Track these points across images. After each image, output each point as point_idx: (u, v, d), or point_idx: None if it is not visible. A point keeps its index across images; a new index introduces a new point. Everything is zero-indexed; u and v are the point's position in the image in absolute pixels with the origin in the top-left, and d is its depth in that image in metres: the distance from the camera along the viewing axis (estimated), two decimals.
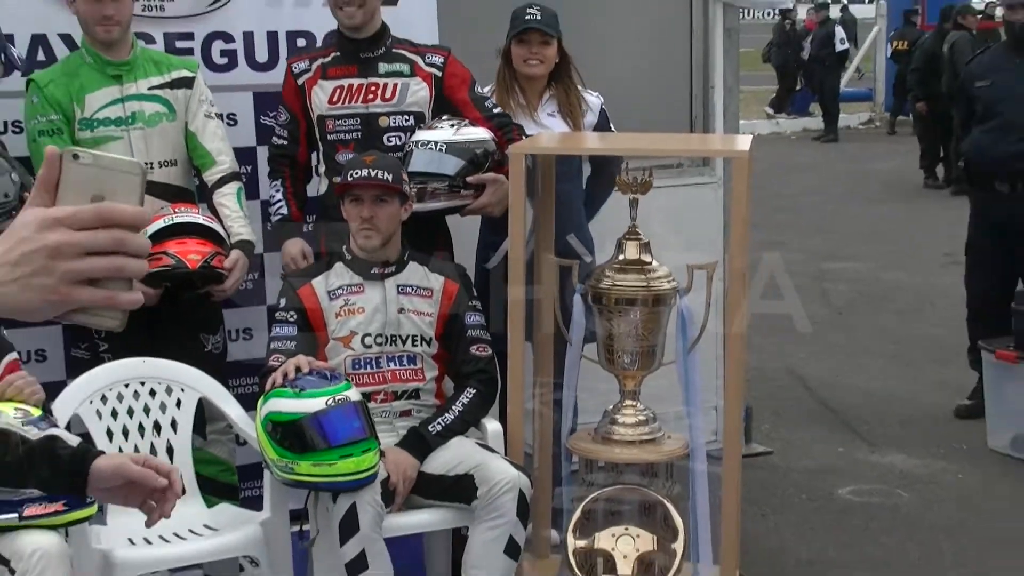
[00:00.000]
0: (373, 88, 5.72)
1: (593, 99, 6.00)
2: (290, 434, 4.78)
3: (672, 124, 6.87)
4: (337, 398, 4.78)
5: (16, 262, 1.60)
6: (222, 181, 5.61)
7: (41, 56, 5.88)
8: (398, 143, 5.66)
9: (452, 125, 5.59)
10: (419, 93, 5.74)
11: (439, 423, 5.11)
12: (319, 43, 5.88)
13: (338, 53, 5.76)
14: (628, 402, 5.51)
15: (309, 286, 5.20)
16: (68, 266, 1.58)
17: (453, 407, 5.16)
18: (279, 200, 5.71)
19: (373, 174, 5.08)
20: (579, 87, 5.98)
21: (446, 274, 5.28)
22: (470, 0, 6.38)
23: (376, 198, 5.11)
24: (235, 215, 5.55)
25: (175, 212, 5.39)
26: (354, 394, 4.85)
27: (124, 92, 5.55)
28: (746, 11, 7.20)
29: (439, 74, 5.76)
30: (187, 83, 5.65)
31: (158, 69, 5.65)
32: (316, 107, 5.73)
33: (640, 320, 5.39)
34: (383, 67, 5.72)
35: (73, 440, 1.93)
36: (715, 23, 7.11)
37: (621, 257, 5.41)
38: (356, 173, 5.12)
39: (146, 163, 5.43)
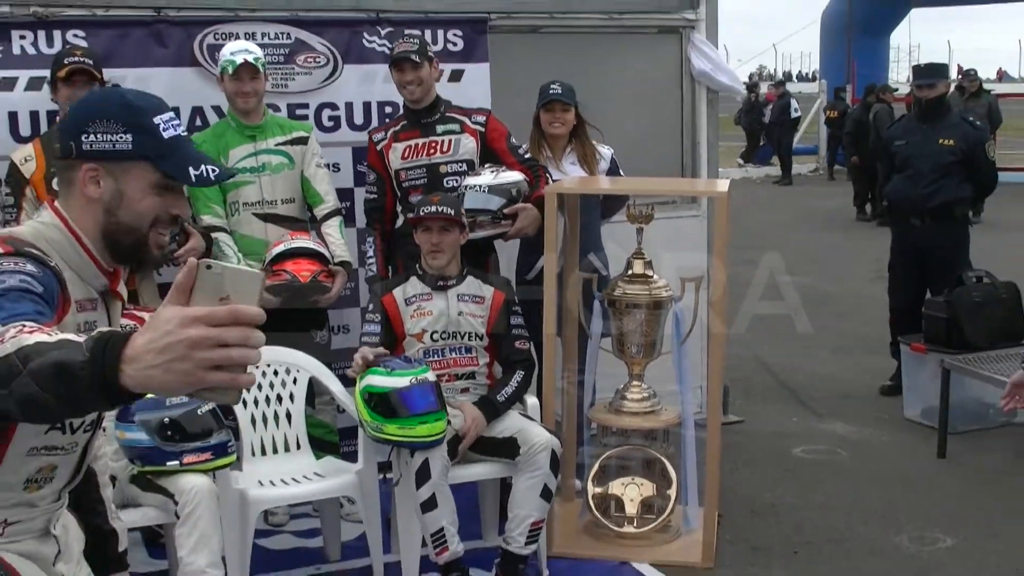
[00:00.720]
0: (433, 144, 5.72)
1: (605, 151, 6.00)
2: (381, 403, 4.79)
3: (667, 171, 6.88)
4: (419, 378, 4.79)
5: (161, 350, 1.65)
6: (328, 216, 5.65)
7: (198, 121, 5.97)
8: (455, 184, 5.64)
9: (492, 171, 5.57)
10: (468, 145, 5.74)
11: (503, 394, 5.11)
12: (401, 110, 5.87)
13: (405, 121, 5.76)
14: (635, 383, 5.58)
15: (391, 294, 5.21)
16: (203, 355, 1.64)
17: (509, 384, 5.15)
18: (371, 257, 5.71)
19: (439, 209, 5.10)
20: (593, 142, 5.98)
21: (495, 286, 5.27)
22: (514, 77, 6.37)
23: (441, 228, 5.11)
24: (337, 242, 5.56)
25: (293, 239, 5.43)
26: (431, 376, 4.86)
27: (257, 148, 5.58)
28: None
29: (482, 130, 5.76)
30: (303, 141, 5.68)
31: (282, 130, 5.68)
32: (392, 164, 5.73)
33: (644, 320, 5.47)
34: (440, 128, 5.72)
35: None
36: (700, 96, 7.15)
37: (630, 272, 5.49)
38: (426, 209, 5.13)
39: (272, 200, 5.56)
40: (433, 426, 4.76)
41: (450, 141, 5.73)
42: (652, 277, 5.47)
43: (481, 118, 5.82)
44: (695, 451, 5.51)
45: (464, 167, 5.72)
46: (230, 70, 5.46)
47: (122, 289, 2.54)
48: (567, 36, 6.76)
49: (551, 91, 5.87)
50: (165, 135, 2.36)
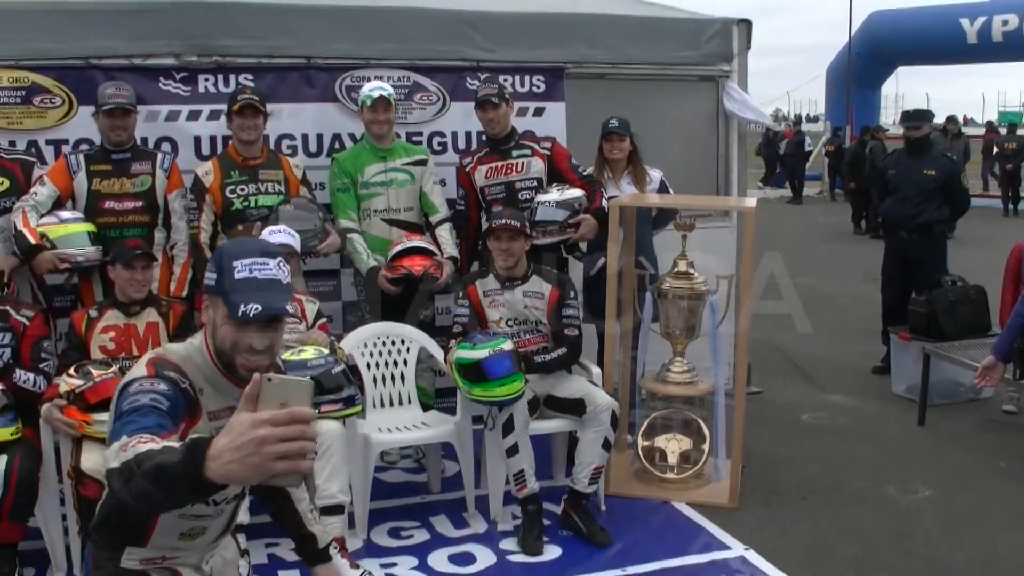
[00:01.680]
0: (510, 166, 5.71)
1: (655, 173, 5.95)
2: (468, 372, 4.79)
3: (704, 190, 6.83)
4: (496, 349, 4.78)
5: (236, 448, 1.74)
6: (440, 222, 5.63)
7: (337, 145, 6.03)
8: (528, 197, 5.64)
9: (558, 190, 5.57)
10: (538, 166, 5.72)
11: (542, 358, 5.08)
12: (484, 139, 5.89)
13: (488, 148, 5.76)
14: (677, 359, 5.55)
15: (474, 286, 5.19)
16: (269, 450, 1.71)
17: (551, 355, 5.11)
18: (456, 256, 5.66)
19: (507, 222, 5.07)
20: (645, 166, 5.93)
21: (552, 283, 5.19)
22: (584, 113, 6.35)
23: (510, 237, 5.08)
24: (447, 241, 5.55)
25: (409, 240, 5.43)
26: (507, 345, 4.83)
27: (387, 166, 5.58)
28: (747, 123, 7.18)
29: (549, 154, 5.75)
30: (423, 163, 5.68)
31: (407, 153, 5.68)
32: (477, 183, 5.73)
33: (686, 308, 5.45)
34: (515, 152, 5.72)
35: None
36: (732, 131, 7.09)
37: (675, 270, 5.45)
38: (497, 221, 5.11)
39: (396, 208, 5.57)
40: (510, 387, 4.74)
41: (523, 163, 5.72)
42: (693, 274, 5.43)
43: (547, 144, 5.81)
44: (724, 415, 5.49)
45: (535, 183, 5.71)
46: (368, 103, 5.47)
47: None
48: (627, 82, 6.71)
49: (610, 125, 5.84)
50: (237, 276, 2.39)
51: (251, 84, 5.69)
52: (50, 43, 5.54)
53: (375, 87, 5.52)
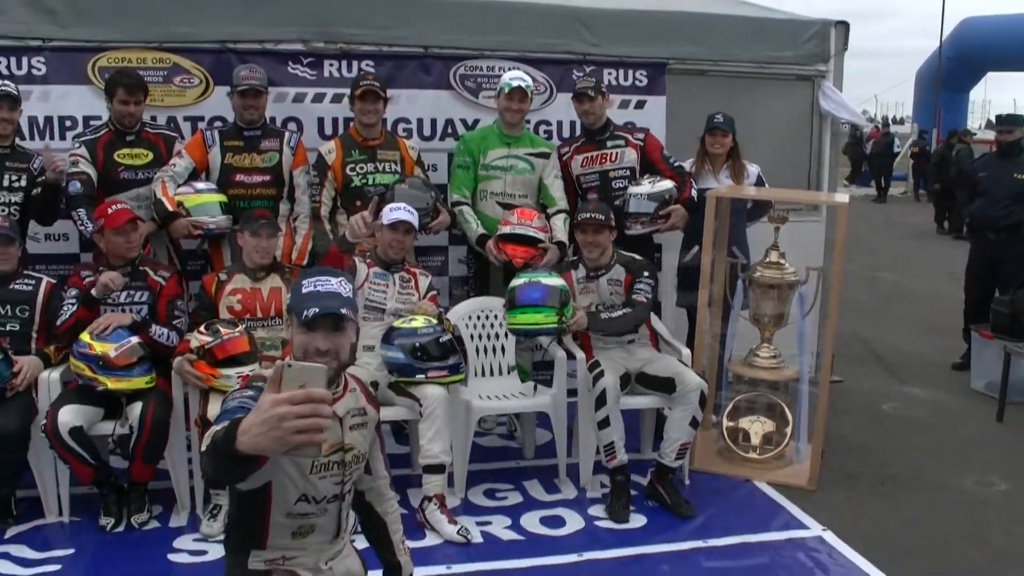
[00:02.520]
0: (604, 156, 5.72)
1: (752, 168, 5.90)
2: (509, 297, 4.88)
3: (797, 185, 6.78)
4: (531, 279, 4.82)
5: (260, 424, 1.93)
6: (556, 212, 5.62)
7: (450, 130, 6.14)
8: (621, 186, 5.65)
9: (650, 182, 5.57)
10: (631, 156, 5.72)
11: (607, 315, 5.06)
12: (579, 130, 5.94)
13: (584, 138, 5.78)
14: (764, 345, 5.55)
15: (570, 274, 5.21)
16: (288, 425, 1.90)
17: (617, 312, 5.08)
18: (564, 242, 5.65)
19: (593, 216, 5.09)
20: (744, 161, 5.91)
21: (625, 267, 5.17)
22: (683, 107, 6.35)
23: (595, 230, 5.09)
24: (559, 229, 5.52)
25: (520, 221, 5.40)
26: (550, 280, 4.84)
27: (510, 153, 5.60)
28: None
29: (642, 144, 5.74)
30: (546, 156, 5.68)
31: (532, 144, 5.70)
32: (574, 171, 5.75)
33: (776, 297, 5.43)
34: (609, 143, 5.72)
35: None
36: (825, 129, 7.03)
37: (767, 260, 5.44)
38: (584, 215, 5.13)
39: (511, 194, 5.60)
40: (532, 316, 4.78)
41: (617, 153, 5.73)
42: (784, 265, 5.43)
43: (640, 135, 5.82)
44: (807, 400, 5.47)
45: (628, 172, 5.72)
46: (506, 90, 5.52)
47: (339, 408, 2.65)
48: (726, 78, 6.68)
49: (715, 120, 5.81)
50: (304, 291, 2.59)
51: (372, 71, 5.81)
52: (190, 28, 5.75)
53: (515, 77, 5.56)
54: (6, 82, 5.11)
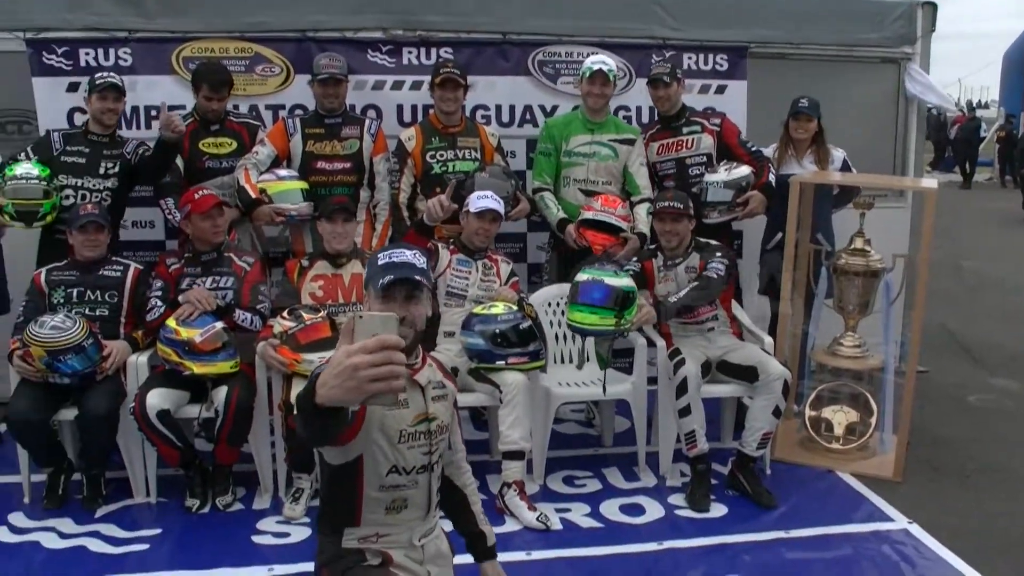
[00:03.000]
0: (680, 143, 5.66)
1: (837, 153, 5.79)
2: (572, 291, 4.76)
3: (881, 170, 6.63)
4: (595, 277, 4.68)
5: (336, 375, 1.93)
6: (640, 201, 5.54)
7: (528, 116, 6.18)
8: (697, 173, 5.59)
9: (726, 169, 5.49)
10: (707, 142, 5.65)
11: (675, 298, 4.96)
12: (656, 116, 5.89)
13: (659, 125, 5.72)
14: (849, 333, 5.46)
15: (650, 262, 5.18)
16: (363, 374, 1.89)
17: (682, 292, 4.99)
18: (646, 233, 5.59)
19: (671, 205, 5.04)
20: (829, 146, 5.80)
21: (701, 255, 5.10)
22: (764, 91, 6.29)
23: (673, 219, 5.05)
24: (641, 219, 5.45)
25: (603, 207, 5.36)
26: (616, 281, 4.66)
27: (594, 139, 5.55)
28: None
29: (718, 130, 5.67)
30: (631, 142, 5.62)
31: (617, 130, 5.64)
32: (650, 158, 5.69)
33: (861, 285, 5.33)
34: (685, 129, 5.66)
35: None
36: (911, 113, 6.89)
37: (852, 247, 5.34)
38: (661, 204, 5.09)
39: (594, 180, 5.55)
40: (586, 316, 4.66)
41: (693, 139, 5.66)
42: (869, 252, 5.32)
43: (717, 120, 5.74)
44: (892, 390, 5.37)
45: (704, 159, 5.65)
46: (587, 75, 5.48)
47: (420, 378, 2.71)
48: (808, 62, 6.58)
49: (800, 105, 5.71)
50: (379, 263, 2.64)
51: (451, 58, 5.83)
52: (271, 17, 5.86)
53: (596, 61, 5.51)
54: (111, 73, 5.22)
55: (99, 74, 5.17)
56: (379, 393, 1.94)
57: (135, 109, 5.72)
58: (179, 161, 5.26)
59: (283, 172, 5.29)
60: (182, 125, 5.10)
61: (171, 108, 5.57)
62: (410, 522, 2.77)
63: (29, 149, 5.17)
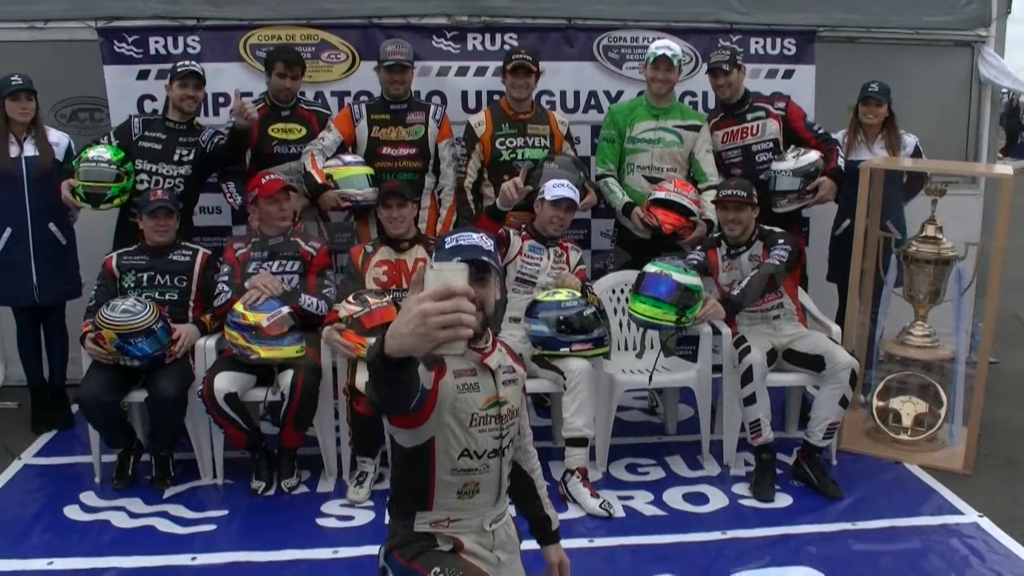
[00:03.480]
0: (745, 130, 5.56)
1: (909, 139, 5.67)
2: (638, 280, 4.79)
3: (953, 157, 6.51)
4: (663, 271, 4.70)
5: (406, 323, 1.92)
6: (707, 188, 5.44)
7: (592, 102, 6.13)
8: (764, 159, 5.51)
9: (794, 156, 5.38)
10: (772, 127, 5.54)
11: (737, 290, 4.92)
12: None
13: (723, 113, 5.63)
14: (919, 323, 5.35)
15: (714, 251, 5.14)
16: (432, 320, 1.89)
17: (744, 283, 4.93)
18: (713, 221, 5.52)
19: (734, 192, 4.97)
20: (900, 131, 5.68)
21: (764, 242, 5.04)
22: (833, 76, 6.19)
23: (736, 207, 4.98)
24: (709, 208, 5.33)
25: (676, 189, 5.29)
26: (681, 277, 4.69)
27: (658, 125, 5.47)
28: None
29: (783, 114, 5.56)
30: (696, 128, 5.53)
31: (682, 115, 5.56)
32: (716, 147, 5.61)
33: (931, 273, 5.22)
34: (749, 116, 5.56)
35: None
36: (985, 97, 6.73)
37: (923, 234, 5.24)
38: (725, 192, 5.03)
39: (659, 167, 5.47)
40: (649, 308, 4.68)
41: (758, 126, 5.56)
42: (941, 239, 5.21)
43: (781, 104, 5.63)
44: (963, 381, 5.26)
45: (771, 145, 5.55)
46: (651, 60, 5.41)
47: (490, 361, 2.71)
48: (877, 46, 6.46)
49: (870, 89, 5.59)
50: (447, 247, 2.62)
51: (516, 44, 5.82)
52: (337, 4, 5.91)
53: (661, 46, 5.43)
54: (192, 62, 5.31)
55: (181, 62, 5.28)
56: (447, 341, 1.94)
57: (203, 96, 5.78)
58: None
59: (349, 158, 5.32)
60: (254, 112, 5.17)
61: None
62: (481, 507, 2.78)
63: (111, 133, 5.30)
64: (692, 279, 4.72)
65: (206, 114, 5.75)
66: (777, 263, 4.93)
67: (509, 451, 2.83)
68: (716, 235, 5.23)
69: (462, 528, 2.77)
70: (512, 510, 3.04)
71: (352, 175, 5.25)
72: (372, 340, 4.48)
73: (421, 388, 2.32)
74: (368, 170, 5.29)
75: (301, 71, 5.42)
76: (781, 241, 5.02)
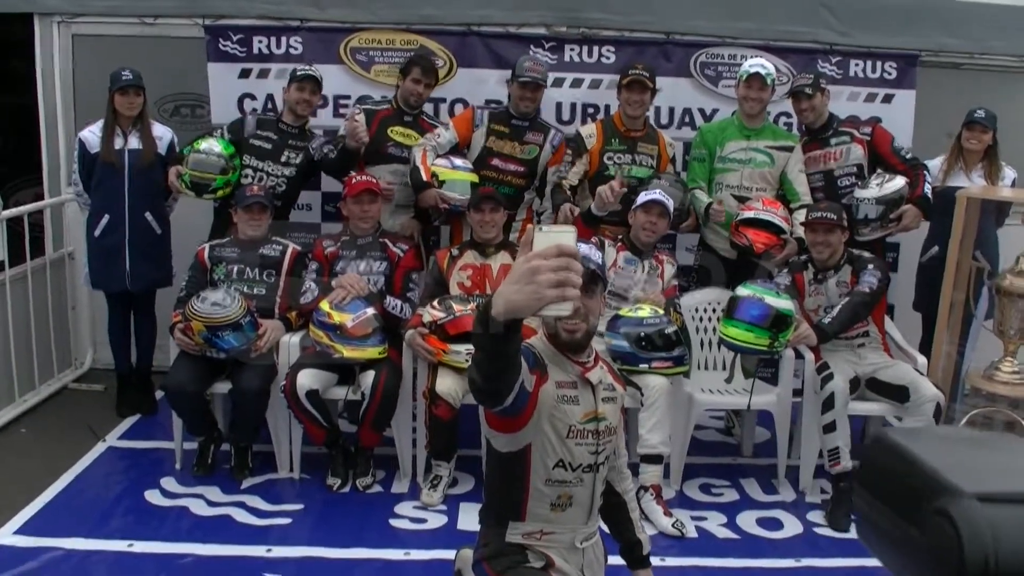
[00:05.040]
0: (828, 155, 5.45)
1: (1009, 171, 5.54)
2: (730, 305, 4.75)
3: None
4: (756, 295, 4.64)
5: (515, 281, 1.86)
6: (799, 208, 5.33)
7: (687, 119, 6.09)
8: (847, 184, 5.40)
9: (878, 183, 5.26)
10: (857, 152, 5.42)
11: (830, 319, 4.81)
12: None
13: (806, 137, 5.53)
14: (1008, 358, 5.18)
15: (801, 274, 5.05)
16: (541, 278, 1.83)
17: (837, 311, 4.83)
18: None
19: (825, 215, 4.89)
20: (1001, 162, 5.54)
21: (852, 267, 4.94)
22: (934, 102, 6.03)
23: (826, 230, 4.89)
24: (798, 224, 5.23)
25: (764, 208, 5.20)
26: (775, 301, 4.63)
27: (749, 145, 5.38)
28: None
29: (869, 139, 5.42)
30: (789, 149, 5.41)
31: (774, 136, 5.45)
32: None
33: None
34: (833, 140, 5.44)
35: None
36: None
37: (1018, 267, 5.09)
38: (815, 214, 4.95)
39: (748, 187, 5.38)
40: (741, 332, 4.62)
41: (842, 151, 5.45)
42: None
43: (867, 129, 5.50)
44: None
45: (855, 170, 5.44)
46: (744, 78, 5.33)
47: (592, 376, 2.72)
48: (980, 73, 6.30)
49: (976, 115, 5.47)
50: None
51: (612, 57, 5.85)
52: (437, 10, 5.95)
53: (754, 64, 5.35)
54: (312, 66, 5.43)
55: (300, 65, 5.43)
56: (555, 301, 1.89)
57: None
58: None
59: (459, 161, 5.32)
60: (366, 136, 5.22)
61: (337, 98, 5.74)
62: (573, 522, 2.79)
63: (225, 128, 5.46)
64: (786, 303, 4.66)
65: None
66: (868, 290, 4.84)
67: (604, 468, 2.83)
68: (803, 258, 5.15)
69: (554, 542, 2.77)
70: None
71: (457, 179, 5.25)
72: (454, 346, 4.57)
73: (521, 386, 2.34)
74: (474, 177, 5.29)
75: (435, 81, 5.48)
76: (871, 267, 4.92)
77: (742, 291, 4.71)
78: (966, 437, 1.30)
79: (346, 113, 5.66)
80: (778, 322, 4.61)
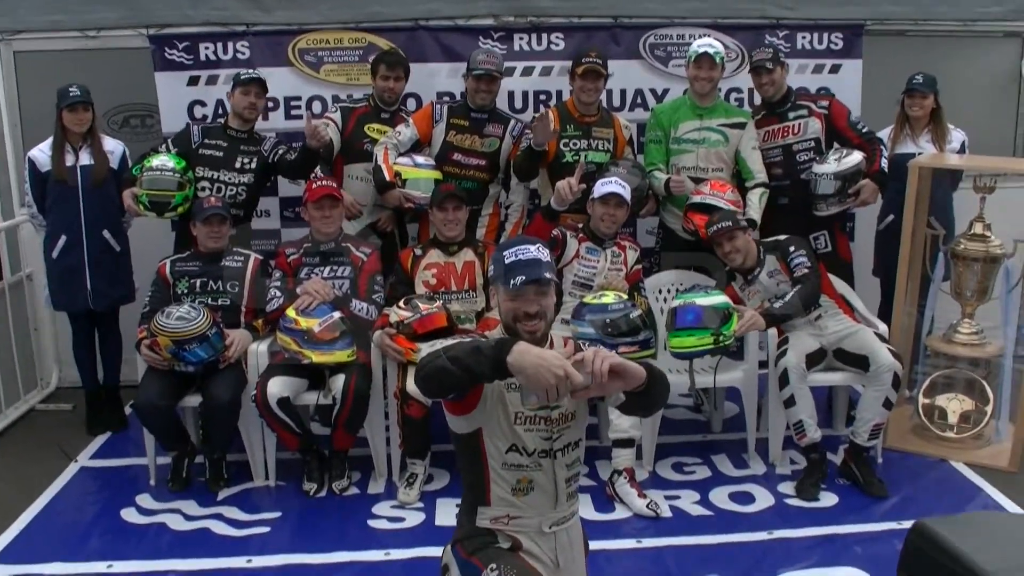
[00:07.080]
0: (786, 128, 5.54)
1: (957, 134, 5.68)
2: (669, 319, 4.79)
3: (1001, 151, 6.42)
4: (686, 301, 4.71)
5: (539, 362, 2.46)
6: (754, 187, 5.43)
7: (639, 100, 6.15)
8: (805, 159, 5.50)
9: (835, 158, 5.35)
10: (815, 126, 5.51)
11: (779, 304, 4.90)
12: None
13: (764, 111, 5.61)
14: (966, 320, 5.36)
15: (731, 287, 5.14)
16: (553, 381, 2.52)
17: (788, 297, 4.91)
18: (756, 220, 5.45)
19: (721, 226, 4.96)
20: (948, 125, 5.67)
21: (775, 255, 5.05)
22: (880, 70, 6.14)
23: (728, 239, 4.97)
24: (753, 206, 5.36)
25: (712, 191, 5.25)
26: (705, 300, 4.69)
27: (702, 124, 5.43)
28: None
29: (826, 112, 5.52)
30: (741, 126, 5.47)
31: (726, 114, 5.51)
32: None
33: (980, 271, 5.23)
34: (791, 114, 5.53)
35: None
36: None
37: (972, 232, 5.24)
38: (711, 229, 5.01)
39: (704, 168, 5.44)
40: (684, 339, 4.67)
41: (800, 124, 5.53)
42: (989, 237, 5.21)
43: (825, 103, 5.60)
44: (1011, 377, 5.26)
45: (812, 144, 5.53)
46: (693, 58, 5.38)
47: None
48: (926, 39, 6.42)
49: (914, 80, 5.59)
50: (507, 262, 2.79)
51: (561, 44, 5.93)
52: (384, 7, 5.98)
53: (703, 44, 5.40)
54: (254, 70, 5.48)
55: (243, 70, 5.47)
56: (538, 389, 2.44)
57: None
58: (337, 138, 5.42)
59: (421, 159, 5.35)
60: (327, 135, 5.25)
61: (288, 100, 5.76)
62: (538, 507, 2.88)
63: (169, 141, 5.43)
64: (716, 299, 4.73)
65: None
66: (807, 271, 4.96)
67: (565, 455, 2.88)
68: (726, 269, 5.21)
69: (521, 527, 2.88)
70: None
71: (420, 177, 5.27)
72: (423, 345, 4.64)
73: None
74: (437, 175, 5.32)
75: (405, 72, 5.51)
76: (792, 248, 5.04)
77: (674, 303, 4.80)
78: (1006, 526, 1.38)
79: (300, 115, 5.72)
80: (714, 317, 4.67)
